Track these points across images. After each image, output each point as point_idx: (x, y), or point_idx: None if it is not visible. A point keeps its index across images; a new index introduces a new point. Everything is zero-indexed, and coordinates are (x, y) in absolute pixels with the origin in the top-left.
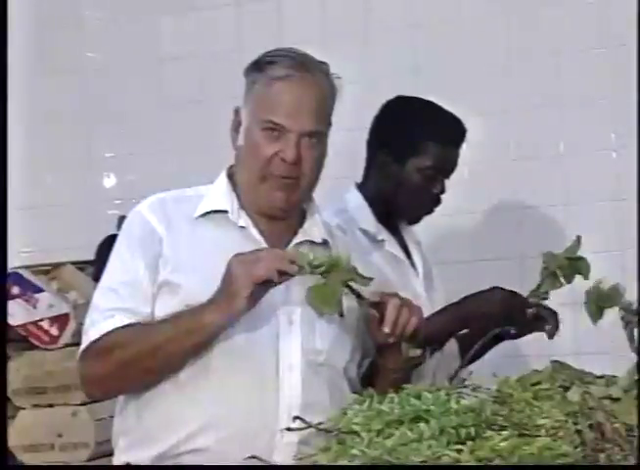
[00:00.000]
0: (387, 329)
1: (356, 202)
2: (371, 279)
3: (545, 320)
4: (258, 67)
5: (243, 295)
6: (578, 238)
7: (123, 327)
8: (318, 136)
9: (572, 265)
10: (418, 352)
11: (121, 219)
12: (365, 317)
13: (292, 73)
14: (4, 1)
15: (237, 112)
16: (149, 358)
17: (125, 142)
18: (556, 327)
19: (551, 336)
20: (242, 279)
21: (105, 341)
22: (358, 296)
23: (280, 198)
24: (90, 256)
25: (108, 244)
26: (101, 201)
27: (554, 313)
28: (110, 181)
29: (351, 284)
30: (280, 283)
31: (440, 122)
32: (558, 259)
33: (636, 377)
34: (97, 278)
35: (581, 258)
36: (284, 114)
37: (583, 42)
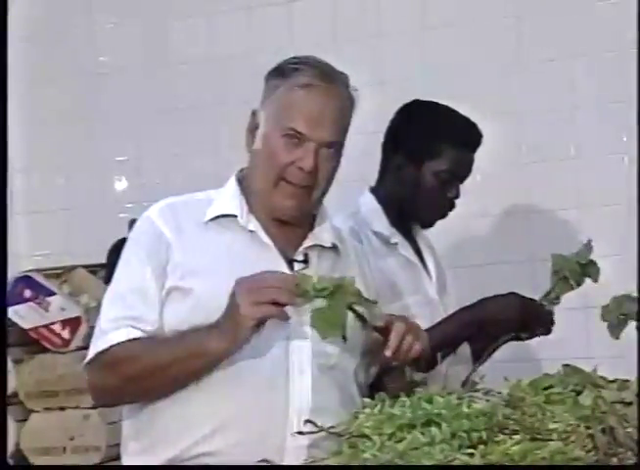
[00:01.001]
0: (388, 354)
1: (370, 205)
2: (375, 303)
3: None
4: (282, 72)
5: (247, 326)
6: (589, 242)
7: (131, 341)
8: (336, 147)
9: (583, 269)
10: (421, 375)
11: (133, 223)
12: (370, 339)
13: (316, 83)
14: (4, 1)
15: (254, 114)
16: (153, 377)
17: (137, 145)
18: (549, 328)
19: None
20: (246, 311)
21: (111, 354)
22: (362, 319)
23: (292, 206)
24: (102, 259)
25: (119, 247)
26: (112, 204)
27: (550, 314)
28: (121, 185)
29: (356, 307)
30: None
31: (458, 126)
32: (568, 263)
33: None
34: (108, 281)
35: (591, 262)
36: (305, 122)
37: (596, 45)
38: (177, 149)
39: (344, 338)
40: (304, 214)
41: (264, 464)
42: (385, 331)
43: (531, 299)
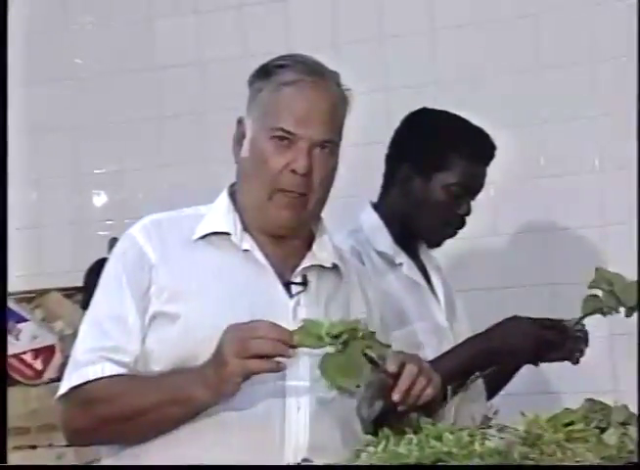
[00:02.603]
0: (396, 398)
1: (372, 222)
2: (389, 346)
3: (574, 346)
4: (265, 72)
5: (233, 382)
6: None
7: (108, 378)
8: (330, 147)
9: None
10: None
11: (113, 241)
12: (378, 379)
13: (302, 78)
14: (4, 1)
15: (240, 122)
16: (131, 421)
17: (117, 157)
18: (581, 351)
19: (576, 361)
20: (232, 367)
21: (86, 392)
22: (375, 364)
23: (288, 216)
24: (78, 281)
25: (97, 269)
26: (90, 221)
27: (583, 337)
28: (100, 200)
29: (368, 352)
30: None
31: (469, 137)
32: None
33: None
34: (85, 306)
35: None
36: (294, 120)
37: (617, 51)
38: (162, 161)
39: (358, 386)
40: (302, 225)
41: (264, 464)
42: (396, 374)
43: (544, 321)
